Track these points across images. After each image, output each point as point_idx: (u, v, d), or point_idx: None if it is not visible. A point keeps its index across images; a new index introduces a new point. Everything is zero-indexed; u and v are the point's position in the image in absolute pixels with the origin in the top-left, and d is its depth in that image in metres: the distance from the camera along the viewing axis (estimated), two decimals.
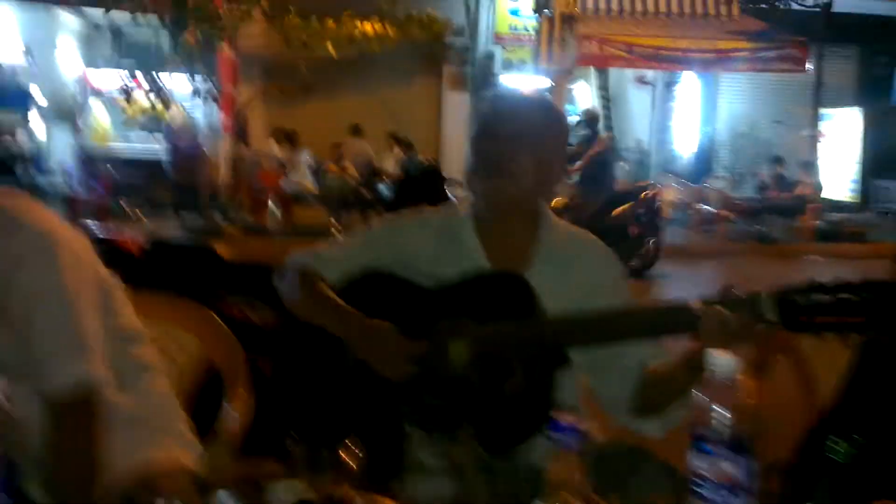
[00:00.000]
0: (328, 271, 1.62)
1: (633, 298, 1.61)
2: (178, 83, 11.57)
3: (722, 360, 1.00)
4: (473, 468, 1.28)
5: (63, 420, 1.31)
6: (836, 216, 12.91)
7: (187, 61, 10.92)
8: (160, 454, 1.47)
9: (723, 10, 14.81)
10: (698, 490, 0.98)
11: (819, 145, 13.53)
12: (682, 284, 9.76)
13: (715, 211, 12.52)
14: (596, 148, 9.57)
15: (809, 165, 12.95)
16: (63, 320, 1.31)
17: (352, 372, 1.51)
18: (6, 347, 1.31)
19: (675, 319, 1.36)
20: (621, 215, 8.64)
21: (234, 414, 1.73)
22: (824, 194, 12.98)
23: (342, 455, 1.17)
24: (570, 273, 1.57)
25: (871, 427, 1.17)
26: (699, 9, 14.98)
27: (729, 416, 0.97)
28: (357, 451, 1.19)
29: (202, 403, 1.74)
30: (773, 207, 12.61)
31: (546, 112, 1.59)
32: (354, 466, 1.16)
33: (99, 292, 1.40)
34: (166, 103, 11.42)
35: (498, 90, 2.14)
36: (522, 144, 1.51)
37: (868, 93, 16.37)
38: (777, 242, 12.01)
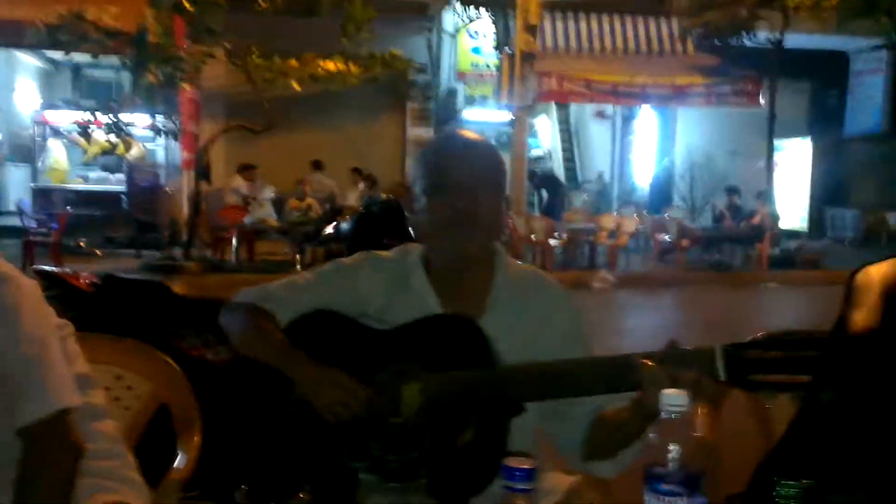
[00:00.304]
0: (277, 310, 1.58)
1: (589, 338, 1.58)
2: (138, 121, 11.51)
3: (674, 398, 1.00)
4: None
5: (41, 452, 1.30)
6: (790, 244, 13.21)
7: (148, 100, 10.85)
8: (108, 499, 1.45)
9: (678, 47, 15.23)
10: None
11: (773, 175, 13.86)
12: (641, 312, 9.89)
13: (673, 240, 12.72)
14: None
15: (764, 195, 13.26)
16: (35, 362, 1.33)
17: (303, 418, 1.46)
18: None
19: (622, 378, 1.34)
20: None
21: (185, 457, 1.71)
22: (778, 223, 13.29)
23: None
24: (525, 315, 1.55)
25: (818, 468, 1.17)
26: (655, 46, 15.40)
27: (681, 452, 0.96)
28: (307, 500, 1.18)
29: (151, 446, 1.71)
30: (730, 236, 12.86)
31: (491, 154, 1.58)
32: None
33: (58, 336, 1.41)
34: (126, 142, 11.32)
35: (438, 140, 2.03)
36: (481, 193, 1.49)
37: (819, 124, 16.88)
38: (734, 270, 12.23)
